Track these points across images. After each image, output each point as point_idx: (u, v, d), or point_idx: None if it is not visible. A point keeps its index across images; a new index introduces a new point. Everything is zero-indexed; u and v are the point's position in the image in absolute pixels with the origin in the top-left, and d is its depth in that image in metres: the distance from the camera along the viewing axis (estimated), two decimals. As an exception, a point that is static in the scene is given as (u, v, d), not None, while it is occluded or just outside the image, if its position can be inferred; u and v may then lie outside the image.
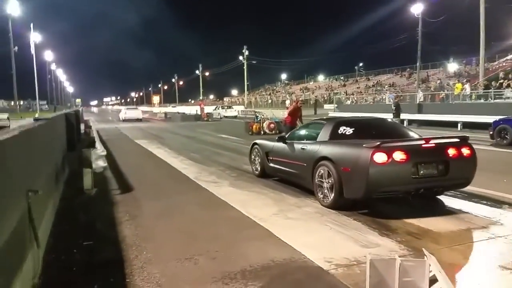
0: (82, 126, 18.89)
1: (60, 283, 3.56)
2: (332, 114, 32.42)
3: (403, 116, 22.92)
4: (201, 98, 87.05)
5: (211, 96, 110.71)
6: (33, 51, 51.09)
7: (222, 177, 8.34)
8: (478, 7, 27.07)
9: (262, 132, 19.67)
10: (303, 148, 6.49)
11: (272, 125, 19.97)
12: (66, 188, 7.20)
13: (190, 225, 5.19)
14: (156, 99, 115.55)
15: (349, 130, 6.10)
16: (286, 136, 7.55)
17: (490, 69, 34.41)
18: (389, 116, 17.74)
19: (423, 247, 4.16)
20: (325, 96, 61.09)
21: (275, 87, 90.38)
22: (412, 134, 6.31)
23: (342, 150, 5.67)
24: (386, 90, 48.03)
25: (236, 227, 5.01)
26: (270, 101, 67.19)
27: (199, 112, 38.46)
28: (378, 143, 5.14)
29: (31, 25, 50.04)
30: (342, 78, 72.49)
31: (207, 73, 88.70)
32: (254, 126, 20.03)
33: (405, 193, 5.44)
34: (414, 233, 4.64)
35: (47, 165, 5.11)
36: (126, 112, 38.58)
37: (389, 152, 5.10)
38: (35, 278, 3.37)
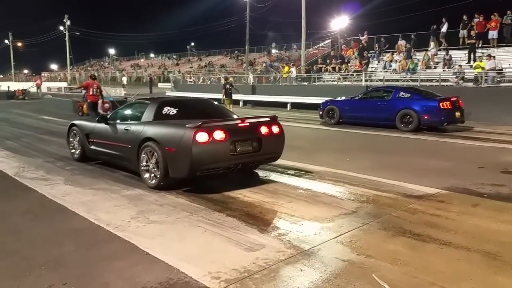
0: None
1: None
2: (169, 93, 31.40)
3: (239, 96, 23.57)
4: (12, 72, 74.46)
5: (25, 71, 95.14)
6: None
7: (53, 172, 6.76)
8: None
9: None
10: (127, 129, 6.28)
11: (106, 105, 17.81)
12: None
13: (18, 244, 3.82)
14: None
15: (173, 111, 6.15)
16: (108, 116, 7.03)
17: (308, 55, 38.19)
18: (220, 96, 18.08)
19: (305, 241, 3.87)
20: (158, 74, 59.08)
21: (102, 62, 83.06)
22: (230, 114, 6.78)
23: (166, 131, 5.69)
24: (218, 70, 49.02)
25: (85, 242, 3.86)
26: (102, 77, 60.97)
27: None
28: (200, 123, 5.30)
29: None
30: (174, 57, 71.00)
31: (19, 44, 75.24)
32: (84, 106, 17.51)
33: (225, 169, 5.62)
34: (293, 226, 4.34)
35: None
36: None
37: (210, 131, 5.33)
38: None
